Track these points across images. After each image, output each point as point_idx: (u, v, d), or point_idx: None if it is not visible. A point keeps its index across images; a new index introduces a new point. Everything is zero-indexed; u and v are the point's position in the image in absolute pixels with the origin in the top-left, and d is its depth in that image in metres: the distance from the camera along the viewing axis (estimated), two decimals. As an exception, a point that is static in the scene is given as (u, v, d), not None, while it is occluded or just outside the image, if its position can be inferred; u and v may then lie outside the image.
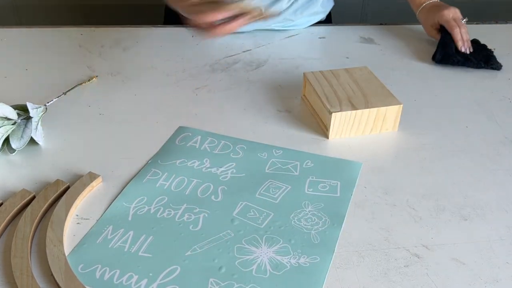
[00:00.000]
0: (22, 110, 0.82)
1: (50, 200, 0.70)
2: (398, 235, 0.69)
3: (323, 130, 0.87)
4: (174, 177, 0.77)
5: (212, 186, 0.75)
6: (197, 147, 0.83)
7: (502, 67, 1.07)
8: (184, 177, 0.77)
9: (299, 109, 0.93)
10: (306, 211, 0.72)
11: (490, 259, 0.66)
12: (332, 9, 1.25)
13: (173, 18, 1.23)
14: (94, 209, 0.71)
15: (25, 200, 0.70)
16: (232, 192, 0.74)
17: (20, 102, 0.83)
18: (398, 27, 1.23)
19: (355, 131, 0.86)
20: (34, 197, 0.71)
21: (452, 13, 1.10)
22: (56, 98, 0.90)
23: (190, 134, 0.85)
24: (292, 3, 1.15)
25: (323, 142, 0.85)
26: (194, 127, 0.87)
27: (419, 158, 0.83)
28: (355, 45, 1.15)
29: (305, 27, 1.21)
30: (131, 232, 0.68)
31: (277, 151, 0.82)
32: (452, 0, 1.14)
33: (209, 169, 0.78)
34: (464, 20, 1.10)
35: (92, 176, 0.75)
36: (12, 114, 0.80)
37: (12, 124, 0.80)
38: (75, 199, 0.71)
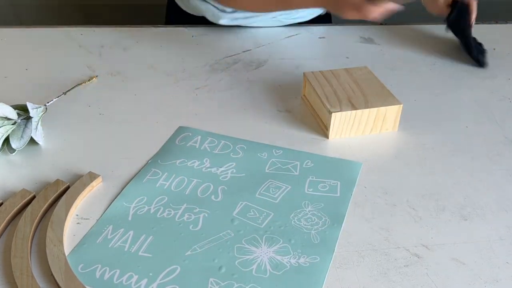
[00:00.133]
0: (22, 110, 0.82)
1: (50, 200, 0.70)
2: (398, 235, 0.69)
3: (323, 130, 0.87)
4: (174, 177, 0.77)
5: (212, 186, 0.75)
6: (197, 147, 0.83)
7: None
8: (184, 177, 0.77)
9: (299, 109, 0.93)
10: (306, 211, 0.72)
11: (490, 259, 0.66)
12: (332, 9, 1.25)
13: (174, 18, 1.24)
14: (94, 209, 0.71)
15: (25, 200, 0.70)
16: (232, 192, 0.74)
17: (20, 102, 0.83)
18: (398, 27, 1.23)
19: (355, 131, 0.86)
20: (34, 197, 0.71)
21: None
22: (56, 98, 0.90)
23: (190, 134, 0.85)
24: None
25: (323, 142, 0.85)
26: (194, 127, 0.87)
27: (419, 158, 0.83)
28: (355, 45, 1.15)
29: (309, 19, 1.21)
30: (131, 232, 0.68)
31: (277, 151, 0.82)
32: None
33: (209, 169, 0.78)
34: None
35: (92, 176, 0.75)
36: (12, 114, 0.80)
37: (12, 124, 0.80)
38: (75, 199, 0.71)
